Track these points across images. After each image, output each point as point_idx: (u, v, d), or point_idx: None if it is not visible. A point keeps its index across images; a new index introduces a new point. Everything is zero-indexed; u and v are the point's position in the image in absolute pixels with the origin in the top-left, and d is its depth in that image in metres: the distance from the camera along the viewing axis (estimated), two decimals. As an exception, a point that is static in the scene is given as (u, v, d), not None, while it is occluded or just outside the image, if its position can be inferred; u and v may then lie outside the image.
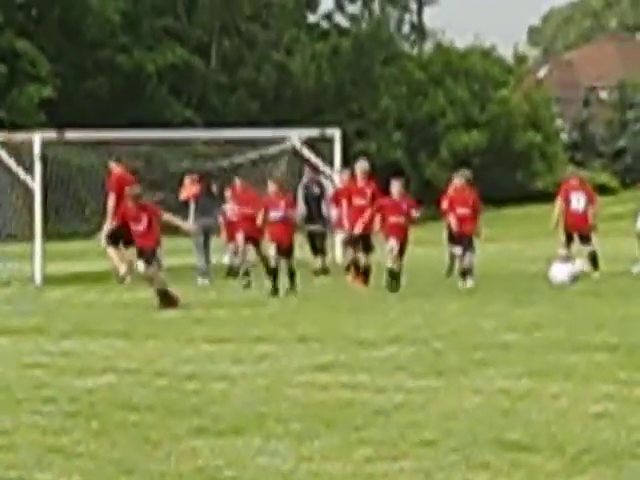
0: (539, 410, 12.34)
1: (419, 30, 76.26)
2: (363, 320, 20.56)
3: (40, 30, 55.68)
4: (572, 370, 14.56)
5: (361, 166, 27.76)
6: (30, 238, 29.49)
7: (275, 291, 25.72)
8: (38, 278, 29.26)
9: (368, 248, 26.56)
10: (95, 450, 11.34)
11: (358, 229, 26.21)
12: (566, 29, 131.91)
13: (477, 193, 28.68)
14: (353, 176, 28.64)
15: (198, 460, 10.73)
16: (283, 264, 28.50)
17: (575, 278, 25.58)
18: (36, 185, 29.80)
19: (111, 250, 29.07)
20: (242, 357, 16.75)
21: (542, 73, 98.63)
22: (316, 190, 31.72)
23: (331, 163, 34.03)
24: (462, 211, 27.09)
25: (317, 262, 31.85)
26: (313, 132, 35.94)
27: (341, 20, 70.31)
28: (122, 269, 28.79)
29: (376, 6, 70.98)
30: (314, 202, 31.52)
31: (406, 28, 74.84)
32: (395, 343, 17.48)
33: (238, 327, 20.18)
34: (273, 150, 35.13)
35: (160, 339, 18.99)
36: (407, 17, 74.64)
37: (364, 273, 26.18)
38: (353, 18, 70.29)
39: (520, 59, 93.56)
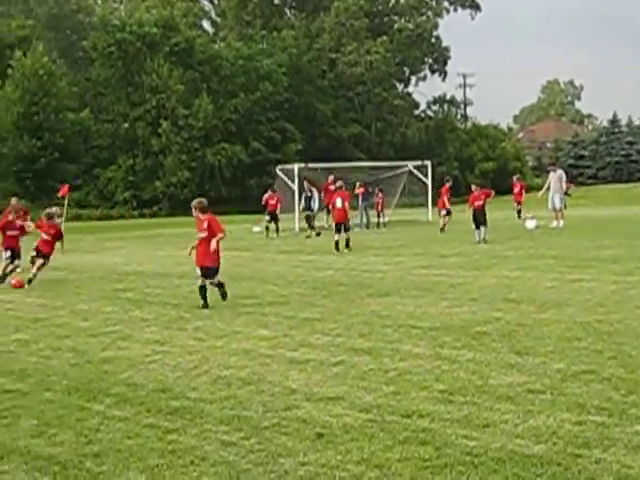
0: (523, 285, 12.07)
1: (464, 117, 74.52)
2: (446, 246, 20.15)
3: (295, 119, 55.88)
4: (538, 267, 14.20)
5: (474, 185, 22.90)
6: (292, 210, 29.30)
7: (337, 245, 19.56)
8: (297, 228, 29.14)
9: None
10: (323, 302, 11.39)
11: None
12: (530, 116, 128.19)
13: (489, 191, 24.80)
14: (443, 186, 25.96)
15: (370, 308, 10.75)
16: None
17: (537, 227, 24.51)
18: (295, 187, 29.88)
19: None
20: (388, 262, 16.66)
21: (520, 135, 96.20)
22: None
23: (426, 176, 33.14)
24: (478, 203, 23.13)
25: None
26: (418, 163, 35.07)
27: (429, 112, 68.63)
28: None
29: (445, 107, 69.22)
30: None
31: (459, 116, 72.81)
32: (457, 256, 17.20)
33: (385, 250, 19.94)
34: (400, 171, 34.44)
35: (357, 256, 18.82)
36: (459, 111, 72.70)
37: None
38: (435, 112, 68.66)
39: (510, 129, 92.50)
